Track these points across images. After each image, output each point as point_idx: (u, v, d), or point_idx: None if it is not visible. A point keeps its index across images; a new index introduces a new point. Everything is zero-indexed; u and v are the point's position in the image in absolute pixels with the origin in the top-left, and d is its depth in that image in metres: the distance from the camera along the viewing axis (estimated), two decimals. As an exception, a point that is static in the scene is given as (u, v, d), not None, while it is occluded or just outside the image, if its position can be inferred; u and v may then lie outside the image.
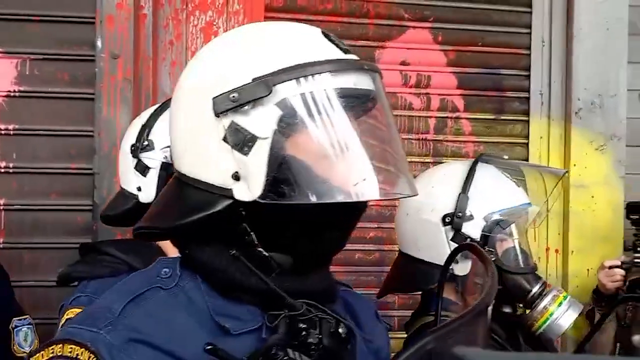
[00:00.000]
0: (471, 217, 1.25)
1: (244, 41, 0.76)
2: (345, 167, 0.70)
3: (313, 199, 0.68)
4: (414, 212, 1.33)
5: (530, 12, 2.21)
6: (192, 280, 0.75)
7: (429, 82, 2.22)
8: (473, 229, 1.25)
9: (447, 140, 2.22)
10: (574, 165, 2.13)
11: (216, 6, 2.08)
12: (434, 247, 1.28)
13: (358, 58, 0.76)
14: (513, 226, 1.28)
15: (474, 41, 2.21)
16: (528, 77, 2.22)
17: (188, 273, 0.76)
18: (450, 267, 1.24)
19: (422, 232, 1.30)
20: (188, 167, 0.74)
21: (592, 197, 2.14)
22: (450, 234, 1.26)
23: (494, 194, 1.29)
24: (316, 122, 0.69)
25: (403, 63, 2.21)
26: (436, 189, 1.31)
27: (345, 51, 0.74)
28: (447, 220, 1.26)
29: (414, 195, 0.78)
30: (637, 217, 1.77)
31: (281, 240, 0.74)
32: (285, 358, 0.66)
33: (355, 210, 0.77)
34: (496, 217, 1.25)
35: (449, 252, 1.23)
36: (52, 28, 1.92)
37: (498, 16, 2.21)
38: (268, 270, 0.74)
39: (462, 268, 1.23)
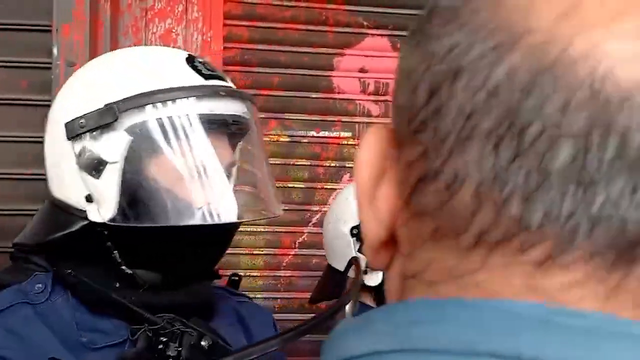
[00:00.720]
0: None
1: (102, 67, 0.79)
2: (194, 191, 0.72)
3: (160, 223, 0.71)
4: (332, 223, 1.38)
5: (489, 21, 2.21)
6: (63, 295, 0.79)
7: (387, 89, 2.23)
8: None
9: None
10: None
11: (175, 14, 2.11)
12: (344, 257, 1.31)
13: (225, 84, 0.78)
14: None
15: (432, 49, 2.21)
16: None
17: (60, 288, 0.79)
18: (361, 278, 1.28)
19: (336, 243, 1.35)
20: (54, 188, 0.78)
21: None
22: (357, 245, 1.30)
23: None
24: (165, 148, 0.72)
25: (362, 70, 2.23)
26: (349, 200, 1.35)
27: (209, 77, 0.76)
28: (354, 232, 1.31)
29: (274, 216, 0.80)
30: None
31: (145, 259, 0.77)
32: None
33: (219, 229, 0.79)
34: None
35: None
36: (8, 36, 1.95)
37: (457, 24, 2.22)
38: (134, 286, 0.77)
39: (372, 278, 1.26)
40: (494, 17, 0.27)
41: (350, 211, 1.32)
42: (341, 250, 1.33)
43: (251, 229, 2.06)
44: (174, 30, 2.11)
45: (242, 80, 2.17)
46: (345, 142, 2.19)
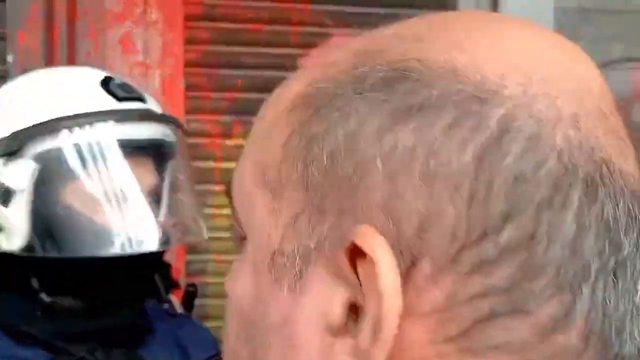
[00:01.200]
0: None
1: (14, 93, 0.76)
2: (110, 219, 0.69)
3: (71, 253, 0.68)
4: None
5: (455, 18, 2.18)
6: None
7: (354, 89, 2.20)
8: None
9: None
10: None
11: (134, 16, 2.06)
12: None
13: (142, 106, 0.75)
14: None
15: (398, 48, 2.19)
16: (453, 83, 2.19)
17: None
18: None
19: None
20: None
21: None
22: None
23: None
24: (73, 175, 0.69)
25: (327, 71, 2.19)
26: None
27: (123, 99, 0.73)
28: None
29: (198, 241, 0.77)
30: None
31: (64, 286, 0.74)
32: None
33: (143, 254, 0.76)
34: None
35: None
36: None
37: (423, 22, 2.19)
38: (55, 314, 0.74)
39: None
40: None
41: None
42: None
43: (218, 234, 2.03)
44: (133, 33, 2.06)
45: (206, 83, 2.13)
46: (312, 145, 2.15)
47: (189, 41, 2.09)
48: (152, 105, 0.77)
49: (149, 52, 2.07)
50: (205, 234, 0.78)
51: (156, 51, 2.07)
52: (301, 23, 2.17)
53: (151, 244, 0.73)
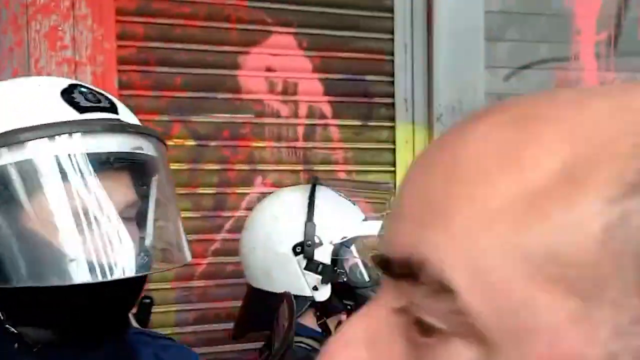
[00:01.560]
0: (320, 244, 1.25)
1: None
2: (74, 242, 0.62)
3: (30, 283, 0.60)
4: (261, 246, 1.30)
5: (392, 18, 2.22)
6: None
7: (296, 88, 2.17)
8: (323, 255, 1.25)
9: (316, 148, 2.19)
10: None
11: (60, 9, 1.92)
12: (288, 278, 1.26)
13: (109, 116, 0.68)
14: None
15: (338, 47, 2.19)
16: (392, 83, 2.23)
17: None
18: (311, 295, 1.24)
19: (273, 265, 1.28)
20: None
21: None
22: (303, 263, 1.25)
23: (336, 217, 1.30)
24: (27, 195, 0.61)
25: (268, 69, 2.15)
26: (280, 219, 1.30)
27: (86, 109, 0.65)
28: (297, 250, 1.25)
29: (182, 266, 0.71)
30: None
31: (29, 316, 0.66)
32: None
33: (118, 281, 0.68)
34: (341, 239, 1.26)
35: (304, 280, 1.23)
36: None
37: (362, 21, 2.21)
38: (30, 347, 0.66)
39: (322, 294, 1.23)
40: None
41: (285, 229, 1.27)
42: (281, 272, 1.26)
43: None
44: (60, 28, 1.92)
45: (141, 81, 2.02)
46: (255, 144, 2.10)
47: (121, 36, 1.98)
48: (126, 116, 0.70)
49: (78, 48, 1.93)
50: (189, 257, 0.72)
51: (86, 47, 1.94)
52: (239, 20, 2.11)
53: (126, 270, 0.66)
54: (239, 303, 1.49)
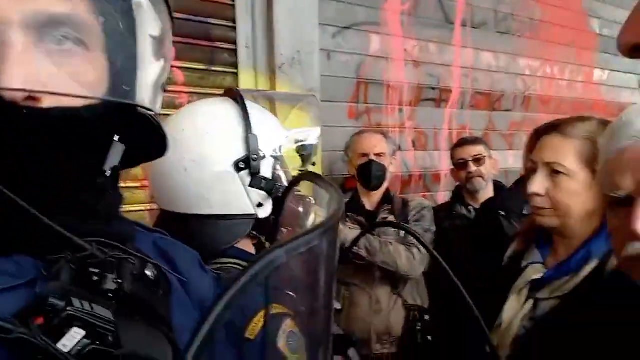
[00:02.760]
0: (263, 157, 1.17)
1: None
2: None
3: None
4: (194, 167, 1.16)
5: (236, -36, 2.19)
6: None
7: (136, 24, 2.00)
8: (266, 169, 1.18)
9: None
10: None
11: None
12: (229, 197, 1.16)
13: None
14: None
15: (182, -16, 2.08)
16: (234, 29, 2.21)
17: None
18: (254, 213, 1.17)
19: (213, 186, 1.16)
20: None
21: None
22: (247, 179, 1.16)
23: (271, 127, 1.24)
24: None
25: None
26: (214, 134, 1.18)
27: None
28: (241, 166, 1.15)
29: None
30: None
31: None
32: (69, 309, 0.51)
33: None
34: (278, 151, 1.22)
35: (247, 198, 1.15)
36: None
37: (204, -38, 2.14)
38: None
39: (265, 211, 1.17)
40: None
41: (222, 145, 1.15)
42: (223, 192, 1.15)
43: None
44: None
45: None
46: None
47: None
48: None
49: None
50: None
51: None
52: None
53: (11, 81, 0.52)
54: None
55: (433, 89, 2.90)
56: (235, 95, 1.24)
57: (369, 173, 2.25)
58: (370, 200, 2.31)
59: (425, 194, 2.93)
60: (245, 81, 2.23)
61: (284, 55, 2.26)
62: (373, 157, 2.25)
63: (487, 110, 3.15)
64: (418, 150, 2.90)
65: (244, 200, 1.15)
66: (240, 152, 1.15)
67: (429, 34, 2.84)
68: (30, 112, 0.53)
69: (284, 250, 0.41)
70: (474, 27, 2.98)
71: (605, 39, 3.64)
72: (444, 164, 2.97)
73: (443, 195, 2.99)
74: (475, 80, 3.05)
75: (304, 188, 1.31)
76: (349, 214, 2.24)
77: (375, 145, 2.29)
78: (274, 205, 1.19)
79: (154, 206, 1.76)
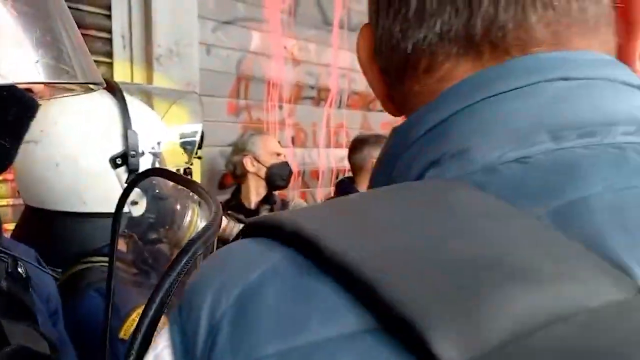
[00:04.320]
0: (142, 153, 1.15)
1: None
2: None
3: None
4: (67, 162, 1.11)
5: (111, -50, 2.10)
6: None
7: None
8: (145, 166, 1.15)
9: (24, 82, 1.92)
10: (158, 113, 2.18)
11: None
12: (103, 194, 1.12)
13: None
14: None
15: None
16: (109, 17, 2.12)
17: None
18: (129, 211, 1.14)
19: (86, 182, 1.11)
20: None
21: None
22: (124, 177, 1.13)
23: (150, 123, 1.21)
24: None
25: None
26: (89, 129, 1.13)
27: None
28: (118, 162, 1.12)
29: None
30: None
31: None
32: None
33: None
34: (157, 148, 1.20)
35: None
36: None
37: (77, -55, 2.02)
38: None
39: (139, 209, 1.14)
40: None
41: (98, 140, 1.10)
42: (98, 189, 1.09)
43: None
44: None
45: None
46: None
47: None
48: None
49: None
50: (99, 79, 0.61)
51: None
52: None
53: None
54: None
55: (312, 87, 2.97)
56: (114, 89, 1.20)
57: (287, 173, 2.32)
58: (251, 200, 2.32)
59: (304, 190, 3.00)
60: (120, 72, 2.15)
61: (162, 46, 2.20)
62: (283, 158, 2.32)
63: (362, 110, 3.28)
64: (297, 147, 2.95)
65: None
66: (117, 148, 1.12)
67: (309, 33, 2.89)
68: None
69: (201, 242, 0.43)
70: (351, 30, 3.09)
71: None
72: (323, 161, 3.05)
73: (321, 192, 3.07)
74: (353, 80, 3.17)
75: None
76: (229, 212, 2.23)
77: (279, 145, 2.39)
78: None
79: (19, 201, 1.65)
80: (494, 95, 0.30)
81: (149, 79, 2.19)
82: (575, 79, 0.30)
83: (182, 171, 1.77)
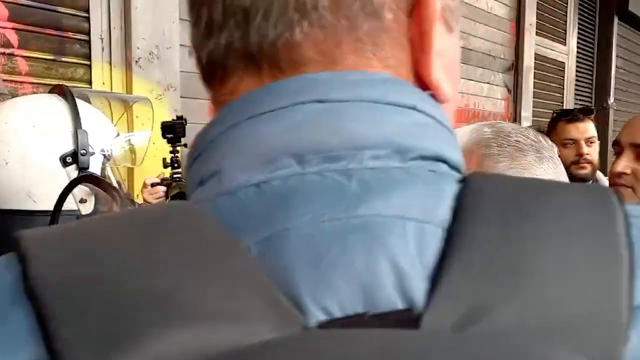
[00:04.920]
0: (93, 153, 1.17)
1: None
2: None
3: None
4: (17, 160, 1.12)
5: (89, -49, 2.09)
6: None
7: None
8: (95, 165, 1.17)
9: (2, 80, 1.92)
10: (137, 117, 2.16)
11: None
12: (52, 193, 1.13)
13: None
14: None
15: (27, -31, 1.95)
16: (88, 19, 2.11)
17: None
18: (77, 209, 1.14)
19: (37, 180, 1.12)
20: None
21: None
22: (74, 175, 1.14)
23: (101, 124, 1.24)
24: None
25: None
26: (41, 128, 1.15)
27: None
28: (68, 161, 1.13)
29: None
30: (172, 136, 1.86)
31: None
32: None
33: None
34: (108, 149, 1.22)
35: (70, 195, 1.13)
36: None
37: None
38: None
39: (88, 207, 1.15)
40: None
41: (49, 139, 1.11)
42: (48, 188, 1.10)
43: None
44: None
45: None
46: None
47: None
48: None
49: None
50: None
51: None
52: None
53: None
54: None
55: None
56: (64, 92, 1.22)
57: None
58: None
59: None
60: (99, 74, 2.14)
61: (141, 49, 2.20)
62: None
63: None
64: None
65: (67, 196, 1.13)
66: (68, 147, 1.14)
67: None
68: None
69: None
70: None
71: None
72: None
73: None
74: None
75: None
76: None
77: None
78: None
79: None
80: (256, 115, 0.30)
81: (128, 81, 2.19)
82: (330, 102, 0.29)
83: (169, 160, 1.77)
